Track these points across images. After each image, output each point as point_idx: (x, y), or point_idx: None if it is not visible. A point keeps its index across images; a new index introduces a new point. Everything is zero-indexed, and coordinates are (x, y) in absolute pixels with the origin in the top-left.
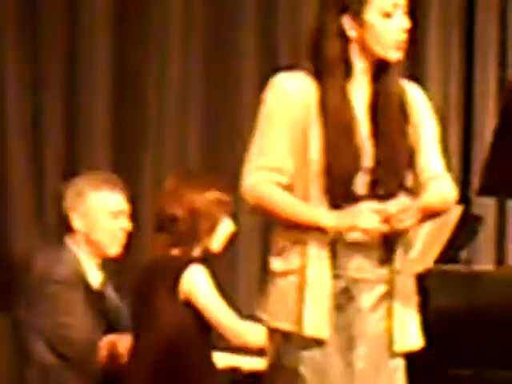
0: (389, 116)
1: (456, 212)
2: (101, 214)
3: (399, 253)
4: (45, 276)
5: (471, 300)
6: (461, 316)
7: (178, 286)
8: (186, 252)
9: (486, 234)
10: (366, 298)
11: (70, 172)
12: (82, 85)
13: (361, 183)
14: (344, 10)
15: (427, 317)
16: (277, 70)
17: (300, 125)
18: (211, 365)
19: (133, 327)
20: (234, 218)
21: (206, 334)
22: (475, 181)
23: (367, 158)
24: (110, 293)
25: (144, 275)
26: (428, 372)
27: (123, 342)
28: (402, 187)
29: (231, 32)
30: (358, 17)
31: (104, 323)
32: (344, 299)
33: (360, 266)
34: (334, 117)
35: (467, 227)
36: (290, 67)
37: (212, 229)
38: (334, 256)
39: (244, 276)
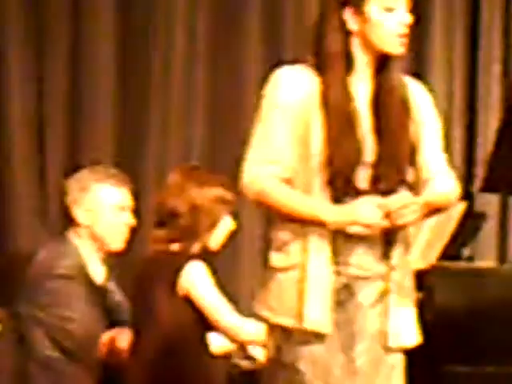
0: (390, 110)
1: (459, 209)
2: (104, 209)
3: (398, 249)
4: (47, 270)
5: (473, 296)
6: (463, 312)
7: (177, 282)
8: (185, 248)
9: (489, 231)
10: (366, 295)
11: (73, 166)
12: (85, 78)
13: (362, 178)
14: (345, 3)
15: (429, 313)
16: (280, 62)
17: (302, 118)
18: (210, 360)
19: (133, 322)
20: (235, 216)
21: (205, 330)
22: (478, 178)
23: (369, 153)
24: (113, 287)
25: (143, 270)
26: (429, 368)
27: (124, 337)
28: (403, 182)
29: (236, 29)
30: (359, 10)
31: (106, 317)
32: (345, 295)
33: (361, 262)
34: (336, 110)
35: (470, 224)
36: (293, 61)
37: (212, 226)
38: (334, 251)
39: (246, 272)
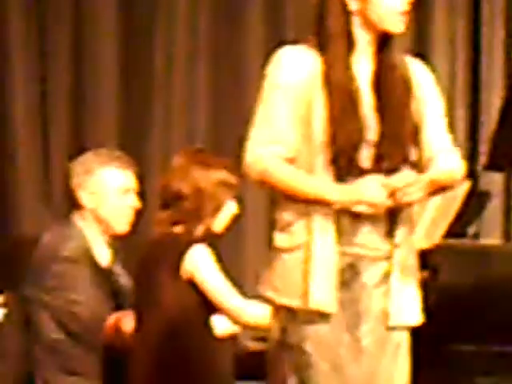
0: (392, 89)
1: (463, 187)
2: (109, 191)
3: (402, 228)
4: (52, 253)
5: (478, 275)
6: (468, 291)
7: (181, 266)
8: (188, 231)
9: (494, 209)
10: (371, 275)
11: (77, 150)
12: (88, 77)
13: (365, 157)
14: None
15: (434, 292)
16: (282, 43)
17: (304, 98)
18: (215, 343)
19: (135, 304)
20: (240, 200)
21: (209, 313)
22: (482, 156)
23: (371, 132)
24: (119, 270)
25: (147, 253)
26: (434, 347)
27: (129, 320)
28: (406, 161)
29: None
30: None
31: (112, 300)
32: (349, 275)
33: (365, 241)
34: (338, 89)
35: (474, 202)
36: (295, 41)
37: (216, 210)
38: (339, 231)
39: (251, 255)
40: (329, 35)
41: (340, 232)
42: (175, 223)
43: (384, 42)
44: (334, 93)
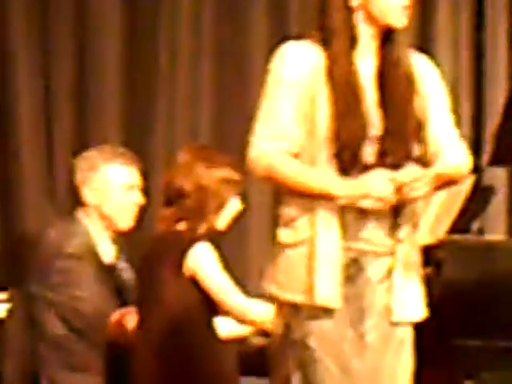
0: (395, 84)
1: (467, 183)
2: (113, 188)
3: (405, 223)
4: (56, 249)
5: (482, 270)
6: (472, 286)
7: (183, 263)
8: (191, 228)
9: (498, 204)
10: (375, 270)
11: (81, 146)
12: (91, 74)
13: (369, 152)
14: None
15: (438, 287)
16: (286, 38)
17: (308, 92)
18: (216, 341)
19: (138, 301)
20: (243, 197)
21: (212, 311)
22: (486, 151)
23: (375, 127)
24: (123, 266)
25: (150, 250)
26: (438, 343)
27: (132, 317)
28: (409, 157)
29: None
30: None
31: (116, 296)
32: (353, 270)
33: (370, 237)
34: (341, 84)
35: (479, 197)
36: (299, 36)
37: (219, 207)
38: (343, 226)
39: (255, 251)
40: (331, 30)
41: (344, 227)
42: (178, 220)
43: (387, 37)
44: (338, 88)
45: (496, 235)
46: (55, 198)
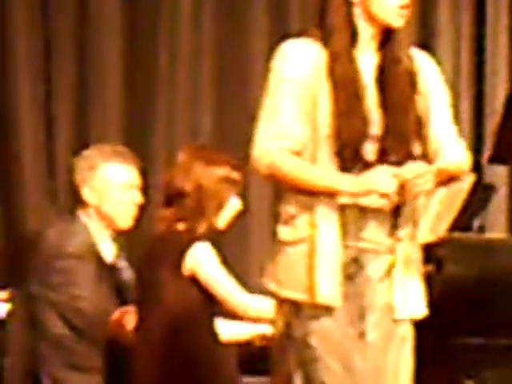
0: (396, 83)
1: (468, 180)
2: (112, 187)
3: (406, 221)
4: (57, 249)
5: (483, 268)
6: (473, 284)
7: (183, 263)
8: (191, 228)
9: (499, 202)
10: (375, 268)
11: (82, 146)
12: (92, 75)
13: (370, 150)
14: None
15: (439, 285)
16: (286, 36)
17: (309, 91)
18: (217, 341)
19: (138, 300)
20: (243, 196)
21: (211, 311)
22: (487, 149)
23: (375, 125)
24: (123, 265)
25: (149, 250)
26: (439, 341)
27: (132, 317)
28: (410, 156)
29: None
30: None
31: (117, 295)
32: (354, 269)
33: (370, 235)
34: (342, 82)
35: (480, 195)
36: (299, 34)
37: (219, 207)
38: (343, 224)
39: (256, 249)
40: (331, 28)
41: (345, 226)
42: (178, 220)
43: (388, 34)
44: (338, 85)
45: (497, 233)
46: (56, 199)
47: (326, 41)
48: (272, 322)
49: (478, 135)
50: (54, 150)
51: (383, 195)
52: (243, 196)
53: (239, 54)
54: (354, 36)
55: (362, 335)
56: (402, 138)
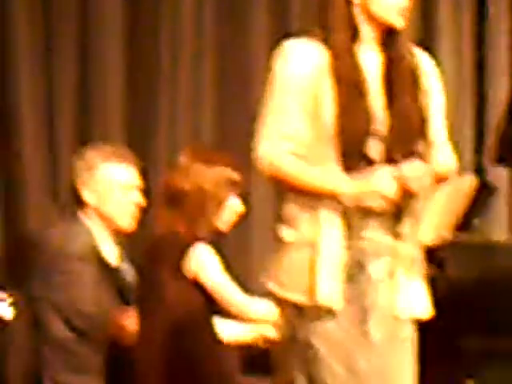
0: (399, 81)
1: (469, 182)
2: (112, 187)
3: (407, 222)
4: (59, 250)
5: (485, 269)
6: (475, 285)
7: (183, 265)
8: (191, 229)
9: (500, 204)
10: (377, 269)
11: (84, 146)
12: (93, 75)
13: (374, 149)
14: None
15: (441, 286)
16: (287, 35)
17: (312, 91)
18: (218, 342)
19: (138, 302)
20: (245, 197)
21: (212, 312)
22: (489, 151)
23: (379, 123)
24: (126, 267)
25: (150, 251)
26: (442, 342)
27: (134, 319)
28: (414, 153)
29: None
30: None
31: (119, 297)
32: (356, 270)
33: (372, 236)
34: (345, 80)
35: (481, 197)
36: (300, 34)
37: (219, 208)
38: (346, 226)
39: (257, 251)
40: (332, 27)
41: (347, 226)
42: (178, 221)
43: (390, 34)
44: (341, 84)
45: (498, 234)
46: (58, 198)
47: (327, 40)
48: (274, 323)
49: (479, 137)
50: (55, 150)
51: (384, 196)
52: (245, 197)
53: (241, 54)
54: (355, 35)
55: (365, 336)
56: (406, 136)
